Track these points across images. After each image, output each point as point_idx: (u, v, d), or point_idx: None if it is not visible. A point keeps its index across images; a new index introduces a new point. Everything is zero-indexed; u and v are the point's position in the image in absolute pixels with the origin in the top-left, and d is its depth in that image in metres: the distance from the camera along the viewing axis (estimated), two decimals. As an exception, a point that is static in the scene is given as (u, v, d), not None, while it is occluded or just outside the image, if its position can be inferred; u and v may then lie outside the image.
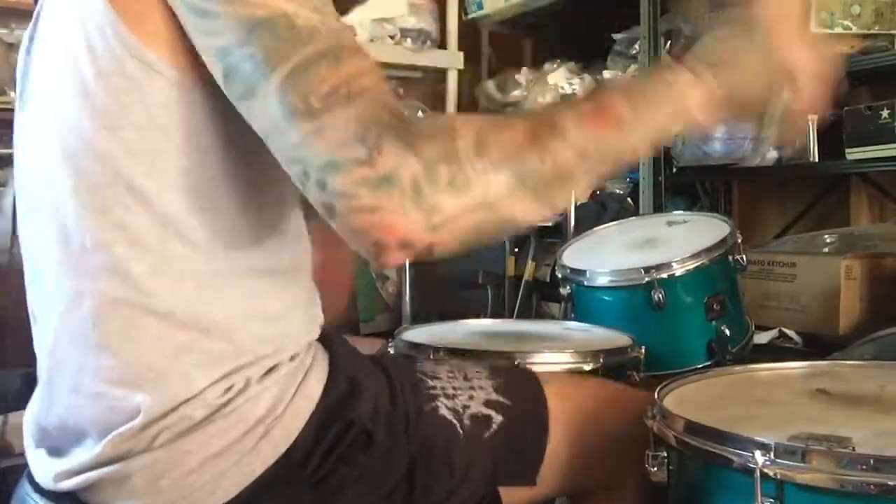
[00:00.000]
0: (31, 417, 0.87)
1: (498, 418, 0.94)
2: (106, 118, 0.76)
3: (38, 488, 0.87)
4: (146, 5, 0.75)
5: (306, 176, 0.70)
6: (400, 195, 0.68)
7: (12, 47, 2.72)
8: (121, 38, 0.75)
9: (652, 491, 0.91)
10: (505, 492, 0.96)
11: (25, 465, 0.93)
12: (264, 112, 0.71)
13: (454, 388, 0.95)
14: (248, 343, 0.82)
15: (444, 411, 0.92)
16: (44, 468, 0.84)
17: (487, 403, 0.95)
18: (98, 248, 0.78)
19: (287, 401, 0.82)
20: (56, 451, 0.84)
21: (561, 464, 0.98)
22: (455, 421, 0.92)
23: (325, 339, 0.92)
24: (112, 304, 0.78)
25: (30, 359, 0.93)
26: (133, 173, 0.77)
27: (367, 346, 1.10)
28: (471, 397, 0.94)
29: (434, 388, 0.94)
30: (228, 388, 0.80)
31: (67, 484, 0.81)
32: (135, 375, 0.78)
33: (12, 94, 2.51)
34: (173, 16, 0.74)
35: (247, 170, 0.81)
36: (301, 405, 0.83)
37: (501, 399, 0.96)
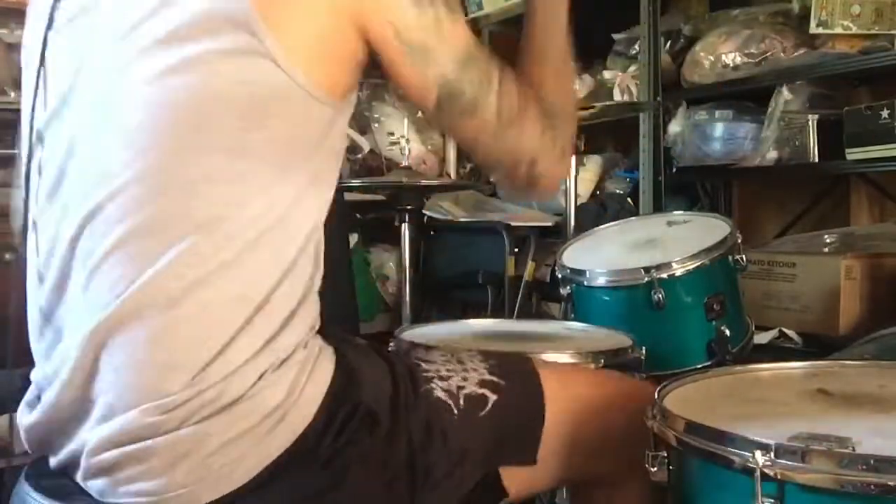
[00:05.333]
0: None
1: (493, 397, 0.95)
2: (242, 120, 0.82)
3: (37, 487, 0.88)
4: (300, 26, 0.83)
5: (518, 162, 0.98)
6: (562, 159, 1.03)
7: (12, 47, 2.72)
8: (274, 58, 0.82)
9: (652, 491, 0.91)
10: (507, 479, 0.97)
11: (24, 466, 0.93)
12: (484, 123, 0.94)
13: (448, 370, 0.97)
14: (280, 324, 0.86)
15: (439, 393, 0.94)
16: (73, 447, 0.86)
17: (482, 383, 0.96)
18: (181, 237, 0.81)
19: (301, 386, 0.85)
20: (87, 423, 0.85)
21: (561, 449, 0.99)
22: (450, 401, 0.93)
23: (325, 333, 0.94)
24: (193, 289, 0.81)
25: (30, 359, 0.93)
26: (262, 171, 0.84)
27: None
28: (464, 378, 0.96)
29: (428, 371, 0.96)
30: (256, 372, 0.83)
31: (96, 459, 0.82)
32: (192, 357, 0.81)
33: (13, 94, 2.51)
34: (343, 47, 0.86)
35: (330, 173, 0.93)
36: (313, 390, 0.86)
37: (495, 379, 0.97)
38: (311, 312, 0.91)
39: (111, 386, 0.82)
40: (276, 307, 0.85)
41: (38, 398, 0.90)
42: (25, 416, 0.91)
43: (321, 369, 0.88)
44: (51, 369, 0.88)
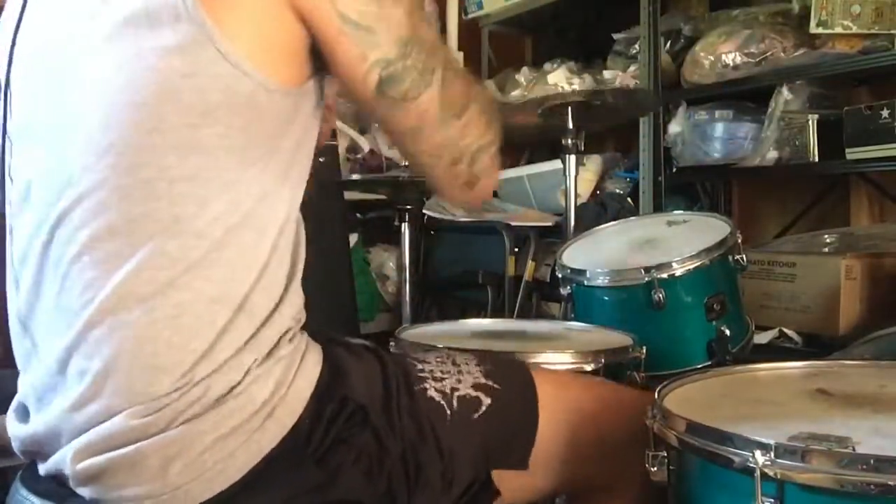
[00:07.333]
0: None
1: (486, 400, 0.95)
2: (189, 115, 0.80)
3: (33, 490, 0.87)
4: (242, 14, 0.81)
5: (460, 158, 0.96)
6: (497, 163, 1.02)
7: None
8: (214, 41, 0.79)
9: (652, 491, 0.91)
10: (502, 485, 0.96)
11: (23, 466, 0.93)
12: (424, 112, 0.91)
13: (442, 372, 0.97)
14: (262, 321, 0.86)
15: (432, 393, 0.94)
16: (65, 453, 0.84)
17: (476, 386, 0.96)
18: (146, 239, 0.80)
19: (288, 382, 0.86)
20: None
21: (555, 455, 0.98)
22: (443, 402, 0.93)
23: (315, 333, 0.94)
24: (166, 291, 0.81)
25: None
26: (219, 167, 0.82)
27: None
28: (459, 380, 0.96)
29: (423, 370, 0.96)
30: (241, 368, 0.83)
31: (82, 466, 0.81)
32: (177, 360, 0.81)
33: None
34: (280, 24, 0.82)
35: (299, 166, 0.91)
36: (301, 385, 0.87)
37: (490, 383, 0.97)
38: (293, 307, 0.90)
39: (94, 394, 0.81)
40: (256, 306, 0.85)
41: (26, 411, 0.90)
42: (16, 427, 0.91)
43: (308, 365, 0.88)
44: (31, 385, 0.88)
